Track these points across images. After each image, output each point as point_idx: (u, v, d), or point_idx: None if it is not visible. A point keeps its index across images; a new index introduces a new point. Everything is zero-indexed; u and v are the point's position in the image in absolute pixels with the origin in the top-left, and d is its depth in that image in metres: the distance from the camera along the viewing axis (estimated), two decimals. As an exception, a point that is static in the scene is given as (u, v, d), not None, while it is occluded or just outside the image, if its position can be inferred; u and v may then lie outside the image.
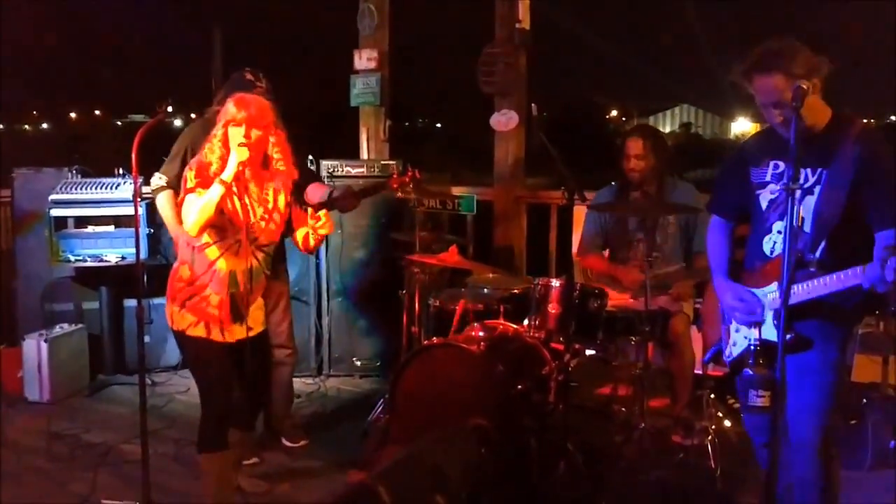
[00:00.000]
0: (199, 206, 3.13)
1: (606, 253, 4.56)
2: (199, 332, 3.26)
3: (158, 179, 4.06)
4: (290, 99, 4.09)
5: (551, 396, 3.91)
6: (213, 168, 3.18)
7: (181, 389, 5.19)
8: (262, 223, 3.30)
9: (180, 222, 3.93)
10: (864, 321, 4.24)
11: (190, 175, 3.18)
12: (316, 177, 4.23)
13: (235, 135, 3.19)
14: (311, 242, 3.48)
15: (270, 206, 3.34)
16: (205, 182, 3.16)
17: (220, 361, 3.32)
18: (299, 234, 3.51)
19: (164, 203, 4.05)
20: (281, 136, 3.35)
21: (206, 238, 3.24)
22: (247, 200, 3.28)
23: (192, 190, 3.16)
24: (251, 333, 3.36)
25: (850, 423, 4.03)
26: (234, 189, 3.22)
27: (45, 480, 3.95)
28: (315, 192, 4.07)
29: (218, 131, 3.23)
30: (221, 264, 3.26)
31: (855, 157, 2.67)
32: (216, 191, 3.13)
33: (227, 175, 3.16)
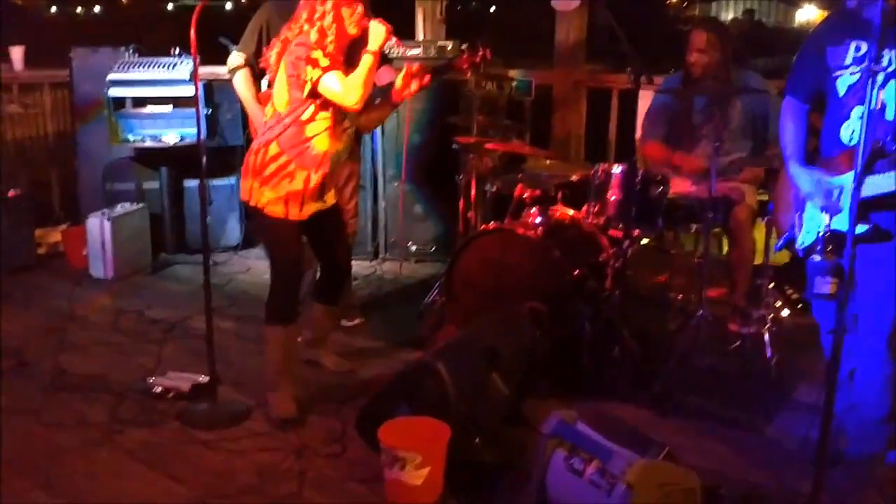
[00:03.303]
0: (359, 81, 3.19)
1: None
2: (276, 211, 3.28)
3: (238, 57, 4.00)
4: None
5: (608, 283, 3.90)
6: (331, 48, 3.21)
7: (242, 270, 5.29)
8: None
9: (258, 101, 3.94)
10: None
11: (319, 55, 3.17)
12: (386, 59, 4.12)
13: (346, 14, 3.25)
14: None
15: None
16: (335, 61, 3.21)
17: (295, 239, 3.38)
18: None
19: (241, 82, 4.00)
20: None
21: (307, 114, 3.23)
22: None
23: (329, 68, 3.17)
24: (324, 207, 3.42)
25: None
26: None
27: (113, 353, 4.09)
28: (384, 75, 3.98)
29: (328, 12, 3.22)
30: (320, 143, 3.28)
31: None
32: (369, 61, 3.22)
33: (375, 45, 3.25)
